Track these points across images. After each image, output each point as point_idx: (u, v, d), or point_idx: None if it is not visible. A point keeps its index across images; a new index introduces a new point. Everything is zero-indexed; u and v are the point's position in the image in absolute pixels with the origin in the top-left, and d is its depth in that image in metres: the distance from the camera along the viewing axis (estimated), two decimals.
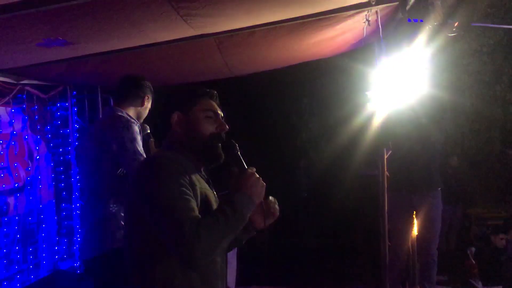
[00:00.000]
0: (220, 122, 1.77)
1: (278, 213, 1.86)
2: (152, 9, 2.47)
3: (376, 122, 4.06)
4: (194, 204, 1.55)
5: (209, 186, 1.78)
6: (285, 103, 9.18)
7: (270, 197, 1.85)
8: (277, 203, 1.87)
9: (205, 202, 1.64)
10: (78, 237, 4.86)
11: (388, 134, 4.22)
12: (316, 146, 9.29)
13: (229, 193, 1.65)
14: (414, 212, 4.23)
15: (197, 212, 1.53)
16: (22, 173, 4.38)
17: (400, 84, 3.70)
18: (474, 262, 5.26)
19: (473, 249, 5.77)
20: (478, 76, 9.63)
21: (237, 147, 1.75)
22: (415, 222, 4.29)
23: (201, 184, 1.67)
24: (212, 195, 1.74)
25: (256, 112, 8.92)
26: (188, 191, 1.55)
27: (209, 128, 1.74)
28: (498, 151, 9.48)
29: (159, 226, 1.51)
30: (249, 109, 8.82)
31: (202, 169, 1.79)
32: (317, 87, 9.20)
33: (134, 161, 2.62)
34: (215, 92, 1.84)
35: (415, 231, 4.35)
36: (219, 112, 1.80)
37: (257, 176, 1.68)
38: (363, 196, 6.39)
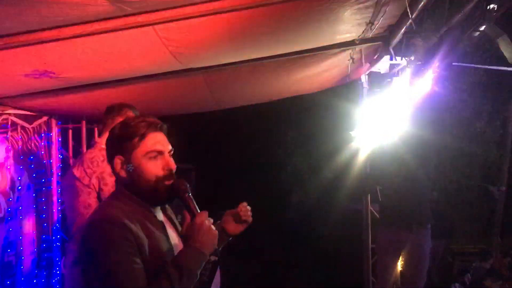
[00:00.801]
0: (166, 161, 1.64)
1: (251, 219, 1.85)
2: (143, 43, 2.51)
3: (361, 159, 4.14)
4: (139, 270, 1.47)
5: (170, 224, 1.72)
6: (271, 136, 9.27)
7: (244, 203, 1.83)
8: (250, 209, 1.85)
9: (157, 256, 1.56)
10: (58, 270, 4.74)
11: (374, 172, 4.29)
12: (301, 180, 9.33)
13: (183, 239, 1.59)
14: (403, 248, 4.20)
15: (142, 280, 1.46)
16: (3, 204, 4.29)
17: (383, 122, 3.80)
18: None
19: (457, 285, 5.78)
20: (458, 113, 9.86)
21: (188, 189, 1.64)
22: (401, 258, 4.29)
23: (151, 236, 1.58)
24: (166, 243, 1.65)
25: (241, 145, 8.97)
26: (132, 257, 1.48)
27: (154, 170, 1.61)
28: (478, 187, 9.62)
29: None
30: (235, 141, 8.87)
31: (154, 212, 1.68)
32: (302, 121, 9.33)
33: None
34: (159, 123, 1.68)
35: (399, 267, 4.35)
36: (164, 148, 1.65)
37: (208, 224, 1.57)
38: (349, 231, 6.40)
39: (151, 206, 1.67)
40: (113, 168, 1.66)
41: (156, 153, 1.63)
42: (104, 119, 2.98)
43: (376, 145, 4.15)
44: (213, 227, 1.58)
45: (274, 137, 9.47)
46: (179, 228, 1.76)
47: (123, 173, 1.64)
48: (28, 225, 4.64)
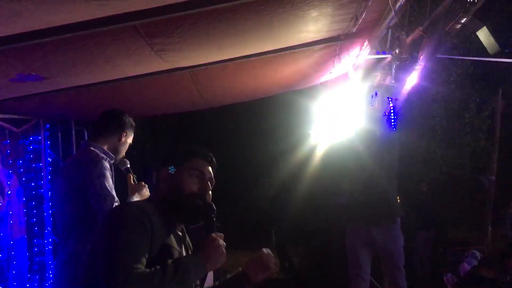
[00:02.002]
0: (205, 183, 1.77)
1: (274, 267, 1.82)
2: (127, 44, 2.50)
3: (318, 157, 4.21)
4: (142, 257, 1.51)
5: (183, 246, 1.77)
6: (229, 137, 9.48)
7: (266, 250, 1.82)
8: (272, 256, 1.82)
9: (165, 257, 1.59)
10: (50, 274, 4.73)
11: (333, 170, 4.27)
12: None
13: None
14: (374, 243, 4.13)
15: (140, 266, 1.48)
16: None
17: (340, 118, 3.88)
18: None
19: (450, 274, 5.84)
20: (447, 105, 9.93)
21: (215, 212, 1.74)
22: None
23: (167, 237, 1.66)
24: (176, 250, 1.69)
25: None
26: (140, 240, 1.53)
27: (191, 186, 1.74)
28: (468, 177, 9.72)
29: (99, 270, 1.48)
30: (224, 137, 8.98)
31: (177, 229, 1.77)
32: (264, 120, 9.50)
33: (100, 197, 2.61)
34: (210, 154, 1.85)
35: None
36: (207, 173, 1.80)
37: (220, 243, 1.66)
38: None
39: (177, 223, 1.77)
40: (158, 179, 1.79)
41: (199, 172, 1.77)
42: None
43: (334, 142, 4.19)
44: (224, 250, 1.67)
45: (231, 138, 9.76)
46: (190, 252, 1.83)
47: (164, 184, 1.77)
48: (19, 230, 4.63)
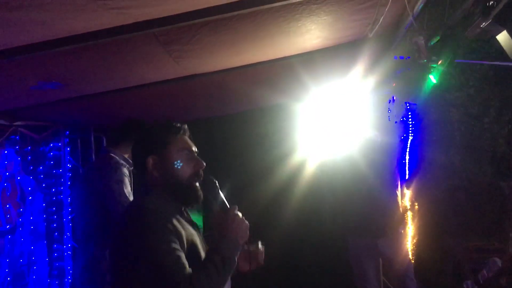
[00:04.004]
0: (197, 159, 1.72)
1: (263, 262, 1.85)
2: (146, 51, 2.54)
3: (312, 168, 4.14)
4: (183, 258, 1.51)
5: (192, 227, 1.73)
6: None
7: (260, 245, 1.84)
8: (263, 252, 1.85)
9: (192, 249, 1.61)
10: (69, 279, 4.77)
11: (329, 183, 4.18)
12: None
13: (214, 235, 1.64)
14: (380, 255, 4.06)
15: (187, 267, 1.49)
16: (14, 215, 4.35)
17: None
18: None
19: (470, 282, 5.73)
20: (465, 110, 9.80)
21: (217, 185, 1.73)
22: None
23: (185, 229, 1.63)
24: (197, 238, 1.69)
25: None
26: (176, 245, 1.51)
27: (186, 168, 1.69)
28: (488, 183, 9.54)
29: (151, 285, 1.46)
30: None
31: (183, 210, 1.74)
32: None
33: (119, 203, 2.63)
34: (185, 126, 1.78)
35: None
36: (194, 148, 1.75)
37: (241, 216, 1.66)
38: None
39: (181, 205, 1.73)
40: (144, 168, 1.68)
41: (188, 151, 1.72)
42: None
43: (332, 153, 4.11)
44: (246, 221, 1.66)
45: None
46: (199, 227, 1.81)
47: (155, 173, 1.68)
48: (39, 235, 4.69)
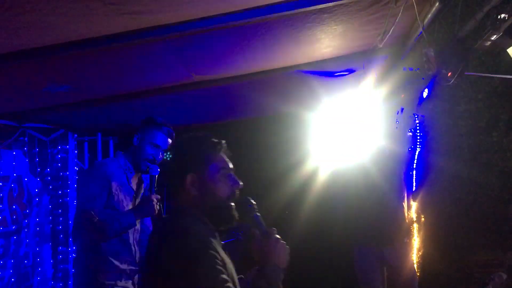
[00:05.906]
0: (235, 179, 1.64)
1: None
2: (158, 56, 2.55)
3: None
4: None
5: (224, 251, 1.63)
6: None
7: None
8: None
9: (231, 276, 1.51)
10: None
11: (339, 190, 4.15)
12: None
13: (259, 268, 1.58)
14: (385, 264, 4.00)
15: None
16: (20, 216, 4.36)
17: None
18: None
19: None
20: (474, 123, 9.72)
21: (255, 207, 1.66)
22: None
23: (225, 256, 1.54)
24: (232, 266, 1.58)
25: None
26: (226, 276, 1.43)
27: (225, 188, 1.60)
28: (495, 197, 9.45)
29: None
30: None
31: (216, 233, 1.63)
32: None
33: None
34: (224, 142, 1.68)
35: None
36: (231, 165, 1.66)
37: (281, 241, 1.60)
38: None
39: (215, 226, 1.62)
40: (181, 186, 1.59)
41: (227, 170, 1.64)
42: None
43: (343, 161, 4.09)
44: (286, 245, 1.62)
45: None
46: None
47: (193, 192, 1.58)
48: (45, 237, 4.70)
